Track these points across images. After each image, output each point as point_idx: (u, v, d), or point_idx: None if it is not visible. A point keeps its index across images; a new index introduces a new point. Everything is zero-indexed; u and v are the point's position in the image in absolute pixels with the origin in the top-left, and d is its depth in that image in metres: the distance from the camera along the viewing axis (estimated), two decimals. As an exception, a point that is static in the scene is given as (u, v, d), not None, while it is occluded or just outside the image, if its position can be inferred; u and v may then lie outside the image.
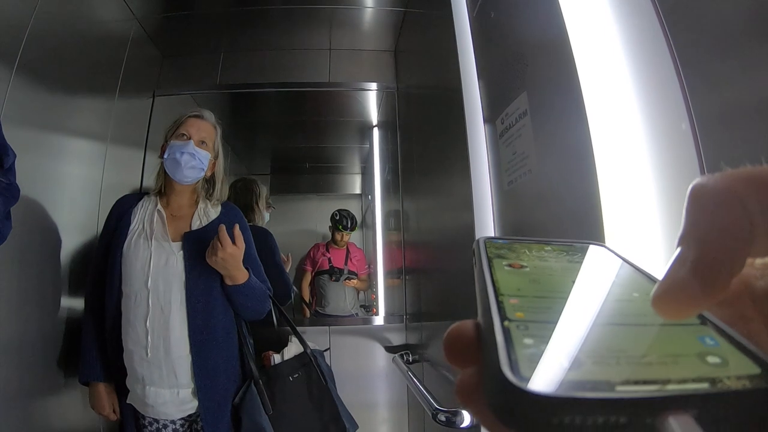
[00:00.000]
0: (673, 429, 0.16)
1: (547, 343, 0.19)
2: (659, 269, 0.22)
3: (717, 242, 0.19)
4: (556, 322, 0.21)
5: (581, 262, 0.29)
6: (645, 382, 0.17)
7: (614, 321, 0.21)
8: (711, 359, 0.18)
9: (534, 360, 0.18)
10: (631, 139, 0.67)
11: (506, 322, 0.21)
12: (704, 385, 0.17)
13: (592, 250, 0.31)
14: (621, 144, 0.69)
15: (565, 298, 0.24)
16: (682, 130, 0.59)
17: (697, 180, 0.21)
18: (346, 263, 3.07)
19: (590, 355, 0.19)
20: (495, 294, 0.23)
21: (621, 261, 0.28)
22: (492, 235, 1.17)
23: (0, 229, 1.19)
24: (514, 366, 0.18)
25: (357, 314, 3.04)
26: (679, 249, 0.20)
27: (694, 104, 0.59)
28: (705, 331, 0.20)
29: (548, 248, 0.31)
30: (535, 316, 0.22)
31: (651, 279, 0.25)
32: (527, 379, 0.17)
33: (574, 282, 0.26)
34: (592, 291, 0.25)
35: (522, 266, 0.27)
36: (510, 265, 0.27)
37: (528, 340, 0.19)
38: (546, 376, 0.17)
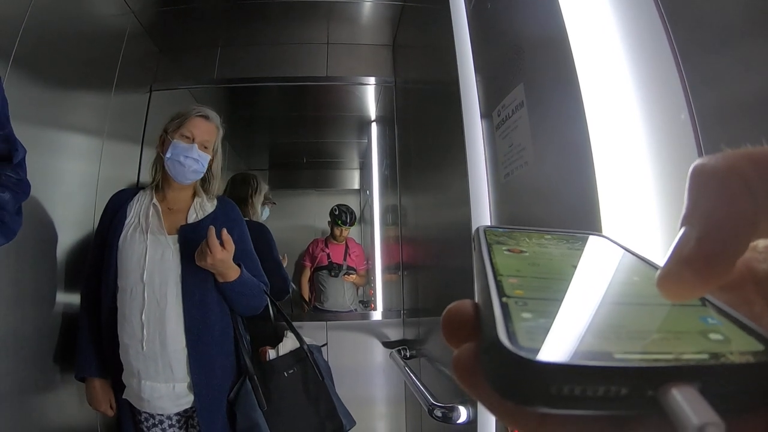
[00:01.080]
0: (676, 400, 0.15)
1: (546, 317, 0.19)
2: (659, 259, 0.21)
3: (721, 220, 0.19)
4: (555, 300, 0.21)
5: (581, 249, 0.29)
6: (647, 353, 0.17)
7: (614, 300, 0.21)
8: (713, 336, 0.18)
9: (532, 332, 0.18)
10: (629, 131, 0.67)
11: (504, 298, 0.20)
12: (707, 358, 0.16)
13: (592, 239, 0.31)
14: (619, 136, 0.68)
15: (565, 280, 0.23)
16: (681, 120, 0.58)
17: (699, 160, 0.20)
18: (345, 258, 3.07)
19: (590, 328, 0.18)
20: (494, 274, 0.23)
21: (621, 249, 0.28)
22: (490, 228, 1.17)
23: (10, 224, 1.19)
24: (512, 337, 0.17)
25: (356, 309, 3.05)
26: (682, 229, 0.20)
27: (694, 97, 0.58)
28: (707, 311, 0.20)
29: (548, 236, 0.31)
30: (534, 294, 0.21)
31: (652, 265, 0.25)
32: (525, 349, 0.17)
33: (574, 266, 0.26)
34: (591, 274, 0.25)
35: (521, 251, 0.27)
36: (509, 250, 0.27)
37: (526, 314, 0.19)
38: (544, 346, 0.17)
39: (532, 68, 0.96)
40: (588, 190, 0.72)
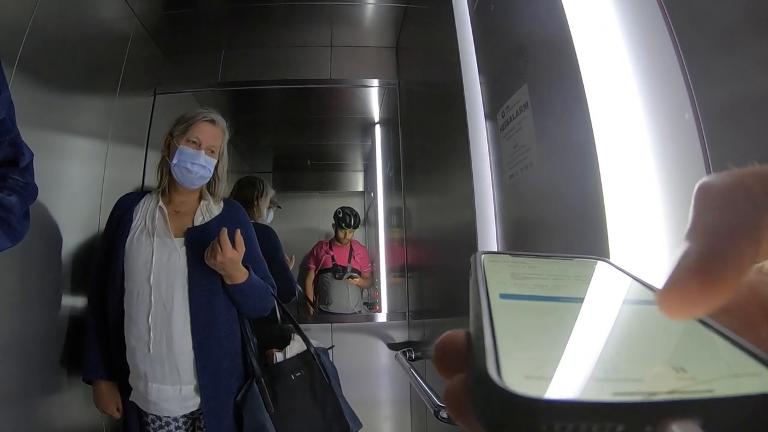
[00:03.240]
0: None
1: (539, 349, 0.18)
2: (664, 266, 0.21)
3: (723, 235, 0.18)
4: (548, 331, 0.20)
5: (580, 276, 0.28)
6: (644, 387, 0.15)
7: (612, 330, 0.20)
8: (716, 364, 0.17)
9: (523, 365, 0.17)
10: (634, 132, 0.67)
11: (496, 329, 0.19)
12: (709, 390, 0.15)
13: (592, 264, 0.30)
14: (624, 136, 0.68)
15: (561, 310, 0.22)
16: (686, 120, 0.58)
17: (705, 178, 0.20)
18: (349, 261, 3.07)
19: (585, 360, 0.17)
20: (487, 302, 0.22)
21: (621, 273, 0.27)
22: (493, 230, 1.16)
23: (18, 227, 1.19)
24: (501, 371, 0.16)
25: (360, 312, 3.04)
26: (684, 244, 0.19)
27: (698, 96, 0.58)
28: (710, 338, 0.19)
29: (547, 262, 0.30)
30: (527, 325, 0.21)
31: (653, 290, 0.23)
32: (515, 383, 0.16)
33: (571, 295, 0.24)
34: (588, 301, 0.24)
35: (517, 278, 0.26)
36: (505, 280, 0.26)
37: (518, 346, 0.18)
38: (535, 381, 0.16)
39: (537, 69, 0.96)
40: (593, 190, 0.72)
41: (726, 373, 0.16)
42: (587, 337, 0.19)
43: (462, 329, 0.22)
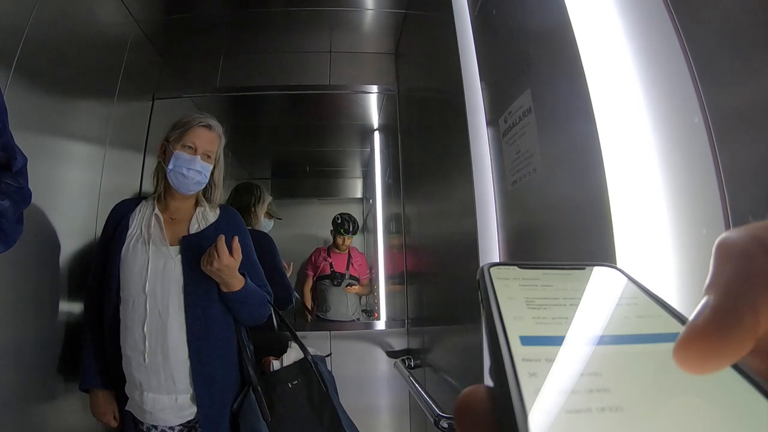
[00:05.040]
0: None
1: (562, 395, 0.18)
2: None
3: (740, 288, 0.18)
4: (569, 371, 0.19)
5: (596, 296, 0.27)
6: None
7: (631, 366, 0.20)
8: (740, 409, 0.17)
9: (551, 422, 0.17)
10: (640, 136, 0.65)
11: (521, 381, 0.19)
12: None
13: (604, 276, 0.29)
14: (630, 141, 0.67)
15: (576, 340, 0.22)
16: (695, 124, 0.57)
17: (725, 233, 0.20)
18: (347, 268, 3.06)
19: (605, 408, 0.17)
20: (509, 352, 0.21)
21: (640, 291, 0.26)
22: (495, 237, 1.15)
23: (11, 232, 1.17)
24: None
25: (359, 319, 3.03)
26: (703, 299, 0.19)
27: (708, 100, 0.57)
28: (734, 380, 0.18)
29: (559, 275, 0.29)
30: (547, 366, 0.20)
31: (673, 314, 0.23)
32: None
33: (592, 334, 0.23)
34: (605, 335, 0.22)
35: (531, 303, 0.25)
36: (520, 309, 0.25)
37: (543, 402, 0.18)
38: None
39: (540, 74, 0.95)
40: (598, 196, 0.71)
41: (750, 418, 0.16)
42: (607, 374, 0.19)
43: (482, 386, 0.21)
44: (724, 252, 0.20)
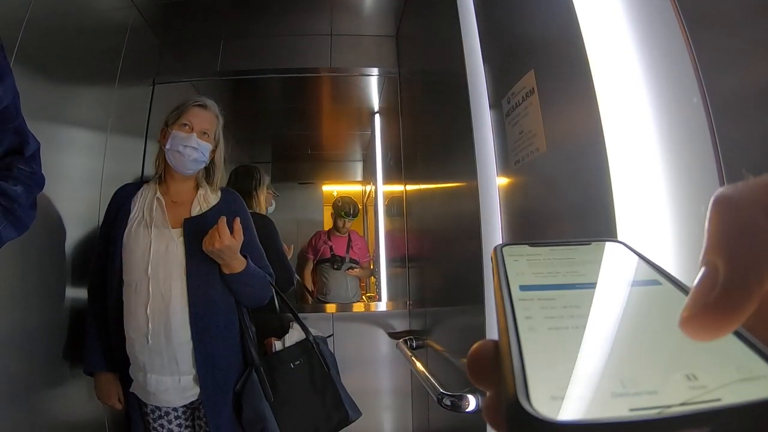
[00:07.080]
0: None
1: (565, 363, 0.19)
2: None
3: (748, 262, 0.18)
4: (572, 340, 0.21)
5: (593, 260, 0.29)
6: (664, 400, 0.16)
7: (635, 334, 0.21)
8: (726, 368, 0.18)
9: (547, 385, 0.18)
10: (641, 116, 0.66)
11: (523, 347, 0.20)
12: (718, 399, 0.16)
13: (606, 247, 0.30)
14: (632, 121, 0.68)
15: (582, 312, 0.23)
16: (694, 104, 0.58)
17: (720, 191, 0.20)
18: (347, 251, 3.06)
19: (603, 372, 0.18)
20: (512, 314, 0.23)
21: (634, 255, 0.28)
22: (498, 218, 1.16)
23: (24, 218, 1.17)
24: (531, 394, 0.17)
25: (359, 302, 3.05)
26: (704, 267, 0.19)
27: (707, 80, 0.58)
28: (736, 344, 0.19)
29: (563, 249, 0.31)
30: (552, 336, 0.21)
31: (678, 286, 0.24)
32: (544, 406, 0.17)
33: (584, 281, 0.26)
34: (602, 290, 0.25)
35: (539, 278, 0.27)
36: (527, 282, 0.27)
37: (545, 364, 0.19)
38: (559, 401, 0.17)
39: (543, 54, 0.95)
40: (601, 176, 0.71)
41: (735, 378, 0.17)
42: (604, 338, 0.21)
43: (490, 340, 0.24)
44: (724, 213, 0.20)
